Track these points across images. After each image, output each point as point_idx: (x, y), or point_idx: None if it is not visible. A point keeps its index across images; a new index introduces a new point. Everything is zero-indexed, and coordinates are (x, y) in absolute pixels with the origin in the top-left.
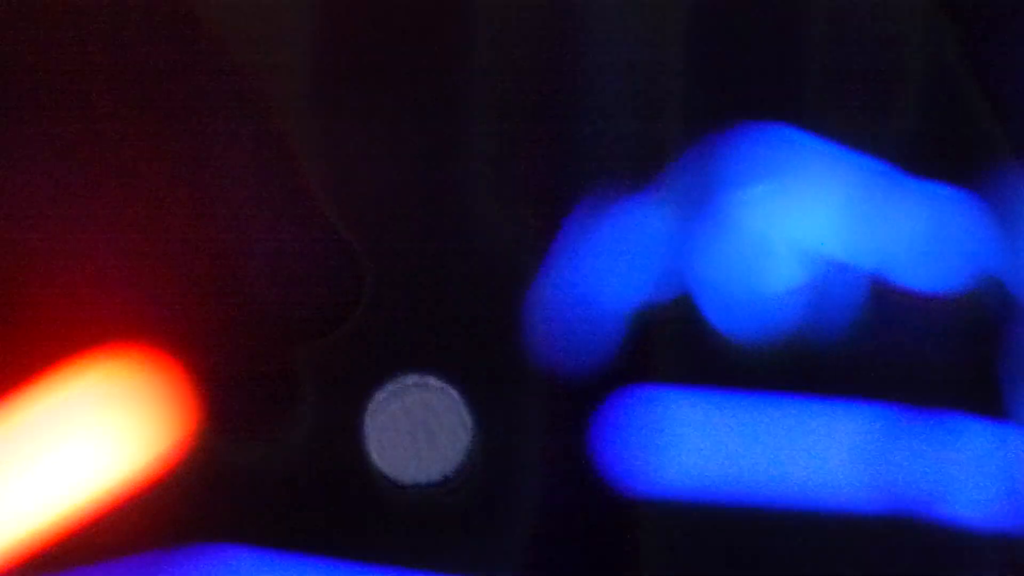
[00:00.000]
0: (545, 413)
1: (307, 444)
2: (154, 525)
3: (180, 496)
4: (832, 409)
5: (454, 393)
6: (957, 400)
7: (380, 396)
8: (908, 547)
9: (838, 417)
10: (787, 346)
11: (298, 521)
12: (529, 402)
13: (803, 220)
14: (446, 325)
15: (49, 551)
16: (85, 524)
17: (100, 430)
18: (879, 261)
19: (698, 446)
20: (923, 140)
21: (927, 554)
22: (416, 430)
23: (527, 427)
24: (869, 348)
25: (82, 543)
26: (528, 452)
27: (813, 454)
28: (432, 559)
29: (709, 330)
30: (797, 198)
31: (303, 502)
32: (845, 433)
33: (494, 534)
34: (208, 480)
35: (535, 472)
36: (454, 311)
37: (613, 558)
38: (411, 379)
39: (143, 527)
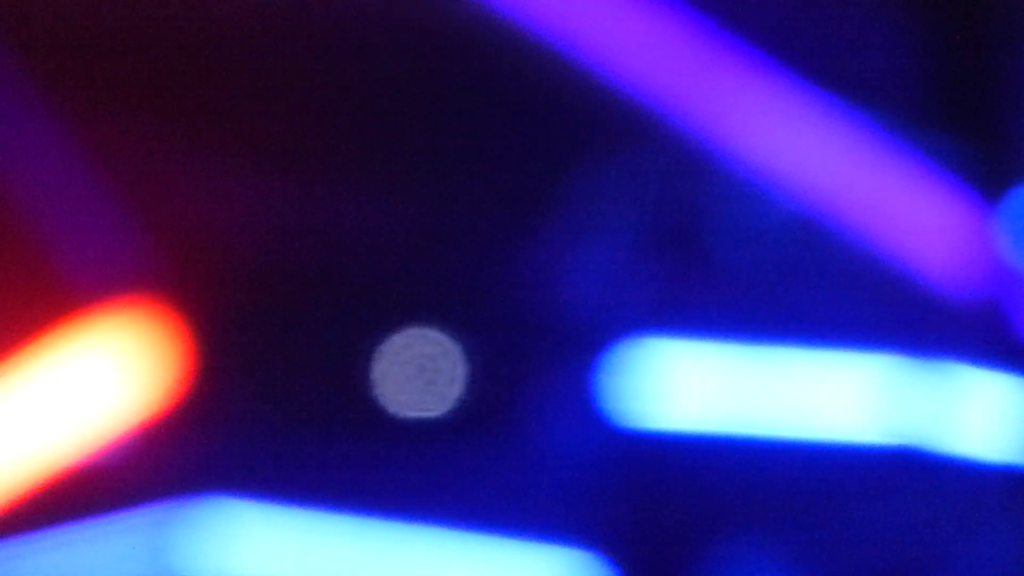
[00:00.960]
0: (549, 358)
1: (319, 389)
2: (159, 475)
3: (186, 446)
4: (838, 353)
5: (451, 344)
6: (963, 344)
7: (387, 346)
8: (912, 489)
9: (844, 361)
10: (791, 290)
11: (306, 464)
12: (533, 347)
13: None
14: (453, 278)
15: (54, 500)
16: (89, 475)
17: (103, 382)
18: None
19: (702, 393)
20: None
21: (931, 496)
22: (417, 375)
23: (531, 372)
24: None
25: (86, 493)
26: (532, 396)
27: (819, 398)
28: (435, 500)
29: (714, 275)
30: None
31: (313, 444)
32: (851, 377)
33: (496, 473)
34: (214, 429)
35: (538, 415)
36: (460, 266)
37: (615, 498)
38: (414, 332)
39: (148, 476)
